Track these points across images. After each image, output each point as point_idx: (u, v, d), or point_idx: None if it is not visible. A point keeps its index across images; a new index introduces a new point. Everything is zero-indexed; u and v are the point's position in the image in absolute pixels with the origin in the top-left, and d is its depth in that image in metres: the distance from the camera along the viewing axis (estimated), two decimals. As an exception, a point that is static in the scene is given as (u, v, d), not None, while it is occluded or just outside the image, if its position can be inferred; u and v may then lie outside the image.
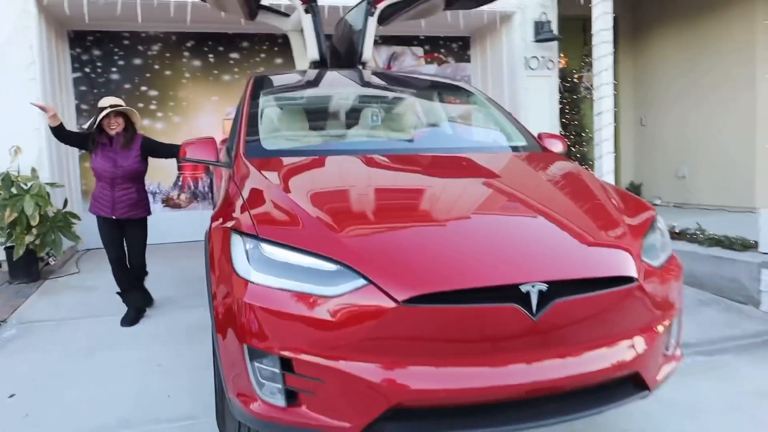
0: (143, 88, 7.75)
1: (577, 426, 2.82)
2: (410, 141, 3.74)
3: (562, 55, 8.45)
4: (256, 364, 2.14)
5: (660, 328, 2.34)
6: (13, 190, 5.68)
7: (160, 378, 3.51)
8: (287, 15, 5.69)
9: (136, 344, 4.09)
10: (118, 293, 4.72)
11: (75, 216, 6.06)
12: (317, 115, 4.13)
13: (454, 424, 2.08)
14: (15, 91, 6.08)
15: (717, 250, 5.00)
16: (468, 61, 8.98)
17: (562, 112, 8.28)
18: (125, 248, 4.67)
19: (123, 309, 4.67)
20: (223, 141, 4.29)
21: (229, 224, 2.40)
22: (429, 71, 8.66)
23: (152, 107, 7.76)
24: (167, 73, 7.84)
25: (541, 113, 7.87)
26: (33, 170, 5.95)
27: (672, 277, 2.46)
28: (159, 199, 7.78)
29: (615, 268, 2.23)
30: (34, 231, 5.57)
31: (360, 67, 5.02)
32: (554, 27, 7.82)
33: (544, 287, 2.01)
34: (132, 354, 3.90)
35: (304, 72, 4.78)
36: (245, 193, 2.63)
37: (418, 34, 8.46)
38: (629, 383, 2.31)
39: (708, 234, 5.28)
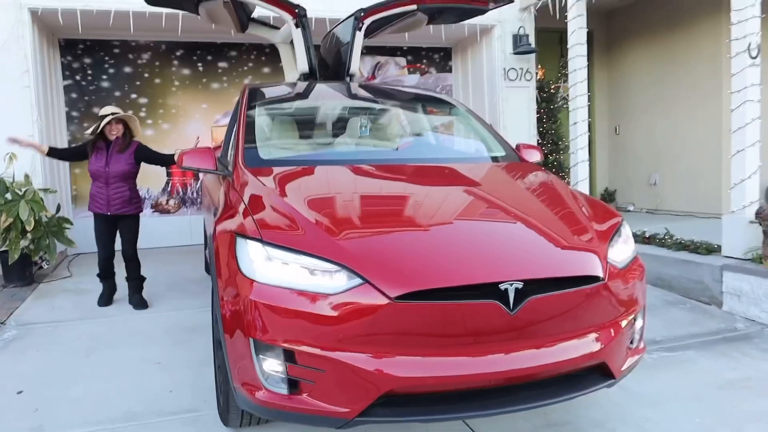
0: (133, 96, 7.92)
1: (551, 415, 3.07)
2: (397, 151, 3.99)
3: (539, 66, 8.77)
4: (261, 356, 2.36)
5: (624, 323, 2.61)
6: (8, 196, 5.81)
7: (161, 375, 3.70)
8: (277, 27, 5.91)
9: (134, 344, 4.27)
10: (98, 275, 5.21)
11: (68, 221, 6.22)
12: (311, 126, 4.37)
13: (441, 409, 2.33)
14: (9, 99, 6.24)
15: (684, 254, 5.31)
16: (449, 71, 9.28)
17: (539, 121, 8.59)
18: (116, 247, 5.13)
19: (117, 311, 5.07)
20: (215, 149, 4.52)
21: (234, 229, 2.63)
22: (411, 81, 8.95)
23: (142, 114, 7.93)
24: (157, 81, 8.02)
25: (520, 122, 8.19)
26: (26, 176, 6.09)
27: (635, 277, 2.73)
28: (149, 205, 7.94)
29: (583, 268, 2.49)
30: (29, 236, 5.72)
31: (348, 79, 5.26)
32: (532, 40, 8.14)
33: (520, 285, 2.27)
34: (131, 353, 4.09)
35: (295, 84, 5.01)
36: (247, 200, 2.86)
37: (402, 45, 8.75)
38: (597, 373, 2.57)
39: (676, 239, 5.60)
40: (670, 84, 8.34)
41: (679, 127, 8.24)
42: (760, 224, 4.58)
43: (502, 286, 2.25)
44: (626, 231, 2.94)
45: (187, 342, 4.26)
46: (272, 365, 2.35)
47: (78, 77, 7.71)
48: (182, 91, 8.12)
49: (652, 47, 8.67)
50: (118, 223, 5.07)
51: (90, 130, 4.99)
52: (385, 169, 3.44)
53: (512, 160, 3.76)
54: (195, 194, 8.13)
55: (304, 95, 4.60)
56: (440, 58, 9.24)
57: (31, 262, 5.98)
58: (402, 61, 9.01)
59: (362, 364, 2.24)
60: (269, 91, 4.51)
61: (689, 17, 7.97)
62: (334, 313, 2.25)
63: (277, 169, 3.22)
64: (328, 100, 4.60)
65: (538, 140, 8.46)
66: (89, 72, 7.75)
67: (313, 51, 5.23)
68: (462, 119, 4.32)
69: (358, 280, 2.27)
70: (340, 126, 4.23)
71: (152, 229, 7.45)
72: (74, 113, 7.69)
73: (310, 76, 5.24)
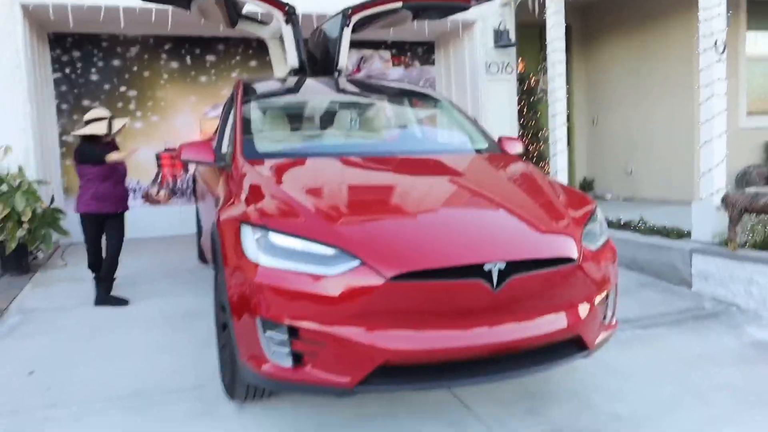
0: (122, 89, 8.04)
1: (530, 386, 3.33)
2: (388, 143, 4.23)
3: (520, 60, 9.02)
4: (268, 333, 2.58)
5: (597, 300, 2.87)
6: (4, 188, 5.95)
7: (163, 356, 3.89)
8: (266, 23, 6.09)
9: (134, 328, 4.46)
10: (94, 278, 5.16)
11: (61, 211, 6.38)
12: (306, 119, 4.59)
13: (432, 378, 2.58)
14: (1, 93, 6.34)
15: (656, 239, 5.60)
16: (432, 64, 9.51)
17: (520, 113, 8.85)
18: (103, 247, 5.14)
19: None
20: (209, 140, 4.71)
21: (238, 216, 2.84)
22: (395, 74, 9.17)
23: (131, 107, 8.05)
24: (146, 74, 8.15)
25: (502, 114, 8.46)
26: (20, 168, 6.22)
27: (607, 258, 3.00)
28: (139, 196, 8.08)
29: (560, 250, 2.74)
30: (25, 226, 5.86)
31: (336, 74, 5.47)
32: (512, 34, 8.39)
33: (502, 266, 2.52)
34: (133, 337, 4.27)
35: (286, 79, 5.21)
36: (248, 190, 3.08)
37: (386, 39, 8.95)
38: (573, 345, 2.83)
39: (649, 225, 5.89)
40: (645, 76, 8.65)
41: (653, 118, 8.57)
42: (726, 210, 4.87)
43: (487, 267, 2.50)
44: (600, 216, 3.20)
45: (186, 326, 4.45)
46: (278, 341, 2.57)
47: (68, 70, 7.82)
48: (171, 84, 8.25)
49: (628, 41, 8.97)
50: (105, 223, 5.04)
51: (104, 131, 4.85)
52: (378, 161, 3.67)
53: (495, 152, 4.00)
54: (185, 185, 8.27)
55: (296, 90, 4.80)
56: (423, 51, 9.46)
57: (27, 252, 6.12)
58: (386, 54, 9.22)
59: (360, 338, 2.47)
60: (263, 86, 4.71)
61: (663, 13, 8.28)
62: (334, 293, 2.48)
63: (275, 161, 3.44)
64: (320, 94, 4.81)
65: (519, 131, 8.72)
66: (78, 65, 7.85)
67: (303, 47, 5.42)
68: (447, 113, 4.55)
69: (356, 262, 2.49)
70: (334, 119, 4.45)
71: (143, 220, 7.61)
72: (64, 106, 7.80)
73: (300, 71, 5.43)
